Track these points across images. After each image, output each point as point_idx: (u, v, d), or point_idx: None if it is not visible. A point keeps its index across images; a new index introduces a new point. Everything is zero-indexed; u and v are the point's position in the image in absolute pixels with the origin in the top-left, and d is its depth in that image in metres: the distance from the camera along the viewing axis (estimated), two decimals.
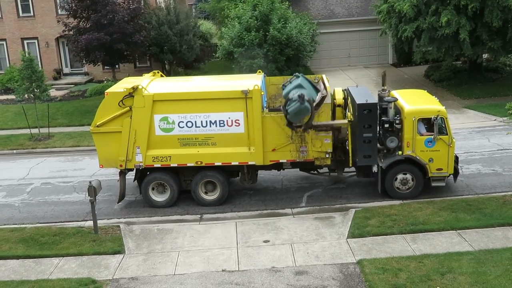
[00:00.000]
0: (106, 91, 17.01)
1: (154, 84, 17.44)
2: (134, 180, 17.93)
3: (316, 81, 18.41)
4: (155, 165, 16.83)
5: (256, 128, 16.31)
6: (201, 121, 16.44)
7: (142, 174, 17.52)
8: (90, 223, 15.96)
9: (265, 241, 14.66)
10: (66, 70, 37.91)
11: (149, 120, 16.47)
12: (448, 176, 16.71)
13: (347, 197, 17.42)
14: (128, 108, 16.47)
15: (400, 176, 16.67)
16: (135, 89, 16.35)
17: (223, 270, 13.25)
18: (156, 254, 14.30)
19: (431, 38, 27.67)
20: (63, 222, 16.73)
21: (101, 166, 17.29)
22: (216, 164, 16.75)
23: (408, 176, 16.68)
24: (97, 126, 16.77)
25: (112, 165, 17.16)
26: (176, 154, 16.65)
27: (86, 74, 37.23)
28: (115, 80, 31.32)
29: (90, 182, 15.27)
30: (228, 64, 31.97)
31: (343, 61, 37.05)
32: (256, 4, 29.14)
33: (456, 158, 17.02)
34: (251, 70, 28.35)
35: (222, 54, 30.75)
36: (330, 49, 36.61)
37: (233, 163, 16.74)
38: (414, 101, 17.17)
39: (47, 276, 13.39)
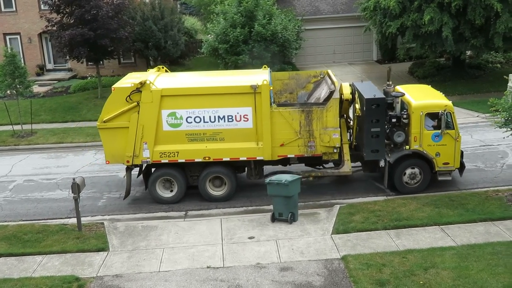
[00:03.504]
0: (113, 86, 16.82)
1: (160, 79, 17.34)
2: (137, 176, 17.80)
3: (321, 76, 18.50)
4: (163, 161, 16.73)
5: (264, 123, 16.30)
6: (210, 116, 16.39)
7: (147, 170, 17.43)
8: (73, 220, 15.82)
9: (250, 238, 14.68)
10: (49, 66, 37.52)
11: (157, 116, 16.37)
12: (454, 170, 16.87)
13: (331, 193, 17.50)
14: (136, 103, 16.33)
15: (408, 171, 16.79)
16: (142, 84, 16.22)
17: (208, 267, 13.23)
18: (141, 251, 14.24)
19: (415, 35, 27.90)
20: (46, 219, 16.59)
21: (107, 162, 17.12)
22: (224, 159, 16.70)
23: (416, 170, 16.81)
24: (104, 122, 16.59)
25: (119, 161, 17.00)
26: (184, 149, 16.58)
27: (69, 70, 36.87)
28: (99, 76, 31.17)
29: (73, 179, 15.15)
30: (213, 60, 31.88)
31: (328, 57, 37.16)
32: (241, 0, 29.07)
33: (461, 152, 17.15)
34: (236, 66, 28.35)
35: (207, 50, 30.64)
36: (315, 46, 36.70)
37: (241, 159, 16.71)
38: (421, 96, 17.32)
39: (30, 274, 13.27)
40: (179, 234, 15.11)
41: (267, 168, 17.67)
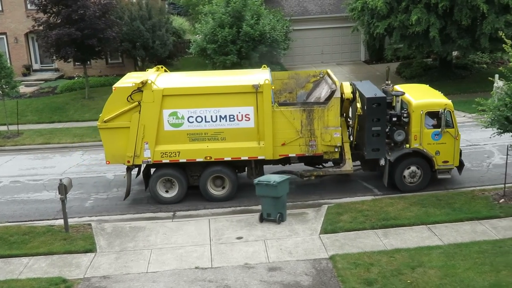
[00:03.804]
0: (114, 86, 16.73)
1: (161, 78, 17.28)
2: (136, 176, 17.72)
3: (321, 76, 18.55)
4: (164, 161, 16.67)
5: (266, 122, 16.33)
6: (211, 116, 16.38)
7: (147, 170, 17.40)
8: (60, 221, 15.70)
9: (238, 238, 14.66)
10: (36, 66, 37.21)
11: (158, 115, 16.31)
12: (453, 168, 17.01)
13: (319, 193, 17.54)
14: (137, 103, 16.24)
15: (408, 169, 16.92)
16: (144, 83, 16.16)
17: (196, 267, 13.20)
18: (129, 252, 14.18)
19: (402, 35, 28.09)
20: (33, 221, 16.46)
21: (107, 162, 17.01)
22: (226, 159, 16.68)
23: (416, 169, 16.94)
24: (105, 122, 16.48)
25: (119, 161, 16.90)
26: (185, 149, 16.54)
27: (56, 70, 36.60)
28: (87, 77, 30.98)
29: (60, 180, 15.05)
30: (202, 60, 31.83)
31: (316, 58, 37.25)
32: (229, 0, 29.06)
33: (460, 150, 17.28)
34: (225, 66, 28.32)
35: (196, 51, 30.57)
36: (303, 46, 36.78)
37: (242, 158, 16.71)
38: (420, 95, 17.44)
39: (17, 276, 13.15)
40: (167, 234, 15.06)
41: (266, 168, 17.68)
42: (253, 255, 13.69)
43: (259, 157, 16.69)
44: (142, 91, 16.18)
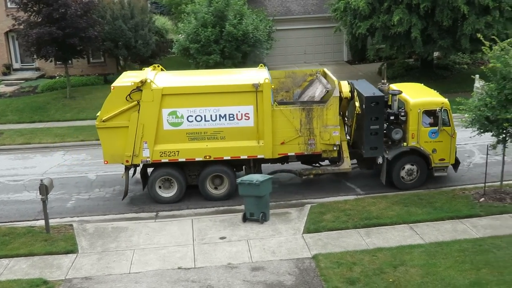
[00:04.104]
0: (112, 85, 16.57)
1: (159, 77, 17.16)
2: (132, 176, 17.57)
3: (317, 74, 18.63)
4: (163, 160, 16.59)
5: (266, 121, 16.36)
6: (211, 115, 16.36)
7: (144, 170, 17.36)
8: (41, 222, 15.51)
9: (222, 238, 14.64)
10: (16, 65, 36.71)
11: (157, 115, 16.23)
12: (448, 166, 17.21)
13: (302, 193, 17.59)
14: (136, 102, 16.13)
15: (406, 167, 17.08)
16: (143, 82, 16.05)
17: (179, 268, 13.16)
18: (111, 252, 14.07)
19: (384, 35, 28.29)
20: (13, 221, 16.25)
21: (105, 162, 16.86)
22: (225, 158, 16.66)
23: (413, 166, 17.12)
24: (103, 121, 16.31)
25: (118, 161, 16.76)
26: (185, 148, 16.49)
27: (37, 69, 36.15)
28: (68, 76, 30.68)
29: (41, 180, 14.90)
30: (185, 60, 31.72)
31: (299, 58, 37.32)
32: (212, 0, 29.00)
33: (455, 148, 17.51)
34: (208, 66, 28.25)
35: (178, 50, 30.46)
36: (286, 46, 36.81)
37: (242, 157, 16.71)
38: (416, 93, 17.62)
39: None
40: (150, 235, 14.98)
41: (265, 167, 17.70)
42: (236, 255, 13.68)
43: (259, 156, 16.74)
44: (141, 90, 16.10)
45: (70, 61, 31.81)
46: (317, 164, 17.91)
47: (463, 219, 14.99)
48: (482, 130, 15.61)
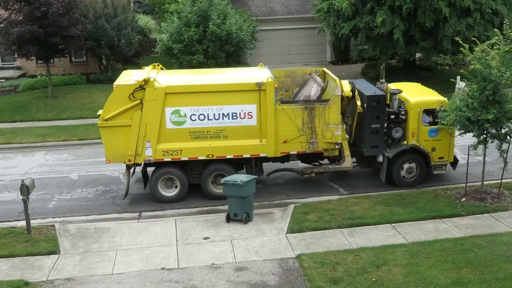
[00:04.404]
0: (115, 83, 16.42)
1: (161, 76, 17.04)
2: (132, 175, 17.40)
3: (317, 74, 18.76)
4: (165, 159, 16.52)
5: (268, 120, 16.41)
6: (214, 114, 16.35)
7: (146, 169, 17.35)
8: (22, 223, 15.32)
9: (205, 238, 14.61)
10: None
11: (160, 113, 16.16)
12: (447, 164, 17.43)
13: (286, 193, 17.62)
14: (139, 101, 16.03)
15: (406, 165, 17.29)
16: (146, 81, 15.96)
17: (162, 268, 13.09)
18: (93, 253, 13.96)
19: (367, 37, 28.50)
20: None
21: (108, 161, 16.72)
22: (228, 157, 16.68)
23: (413, 165, 17.34)
24: (105, 120, 16.18)
25: (120, 160, 16.66)
26: (187, 147, 16.45)
27: (18, 68, 35.70)
28: (50, 75, 30.36)
29: (22, 180, 14.72)
30: (168, 60, 31.57)
31: (283, 58, 37.38)
32: None
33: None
34: (191, 66, 28.17)
35: (162, 50, 30.34)
36: (270, 46, 36.84)
37: (244, 156, 16.74)
38: (415, 93, 17.83)
39: None
40: (132, 235, 14.89)
41: (265, 165, 17.80)
42: (220, 255, 13.66)
43: (261, 155, 16.80)
44: (144, 89, 16.01)
45: (52, 60, 31.47)
46: (317, 163, 18.04)
47: (445, 219, 15.15)
48: (463, 131, 15.79)
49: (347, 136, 17.82)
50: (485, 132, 15.48)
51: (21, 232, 14.97)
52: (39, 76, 33.53)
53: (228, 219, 15.43)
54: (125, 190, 16.97)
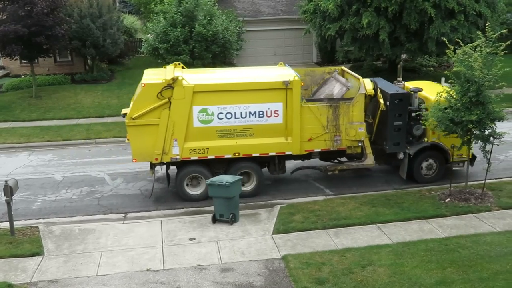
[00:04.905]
0: (143, 82, 16.32)
1: (186, 75, 16.97)
2: (151, 174, 17.33)
3: (336, 72, 18.96)
4: (192, 158, 16.53)
5: (295, 118, 16.55)
6: (241, 112, 16.43)
7: (169, 167, 17.44)
8: (6, 224, 15.14)
9: (191, 239, 14.57)
10: None
11: (188, 112, 16.17)
12: (466, 161, 17.54)
13: (272, 194, 17.63)
14: (167, 99, 15.99)
15: (426, 162, 17.59)
16: (175, 80, 15.93)
17: (147, 270, 13.03)
18: (78, 255, 13.85)
19: (353, 38, 28.65)
20: None
21: (134, 160, 16.67)
22: (254, 155, 16.77)
23: (433, 161, 17.64)
24: (133, 119, 16.08)
25: (146, 159, 16.66)
26: (214, 146, 16.50)
27: (2, 68, 35.37)
28: (34, 75, 30.09)
29: (6, 181, 14.55)
30: (154, 60, 31.47)
31: (269, 59, 37.35)
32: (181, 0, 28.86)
33: None
34: None
35: (147, 50, 30.18)
36: (256, 47, 36.88)
37: (270, 154, 16.85)
38: (435, 91, 17.80)
39: None
40: (118, 236, 14.80)
41: (288, 163, 17.93)
42: (206, 256, 13.63)
43: (287, 153, 16.93)
44: (172, 87, 15.98)
45: (36, 60, 31.21)
46: (335, 161, 18.21)
47: (429, 219, 15.26)
48: (447, 132, 15.92)
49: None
50: (469, 133, 15.63)
51: (4, 233, 14.80)
52: (23, 76, 33.24)
53: (214, 220, 15.41)
54: (152, 189, 17.06)
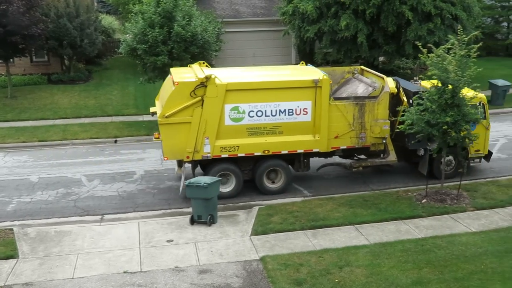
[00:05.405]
0: (176, 81, 16.25)
1: (216, 74, 16.93)
2: (177, 173, 17.53)
3: (355, 72, 19.34)
4: (223, 156, 16.57)
5: (323, 116, 16.78)
6: (271, 110, 16.59)
7: (196, 165, 17.52)
8: None
9: (169, 241, 14.48)
10: None
11: (220, 110, 16.21)
12: (483, 156, 18.03)
13: (250, 195, 17.62)
14: (200, 98, 15.99)
15: (446, 158, 17.66)
16: (208, 78, 15.93)
17: (124, 272, 12.91)
18: (53, 257, 13.66)
19: (331, 40, 28.83)
20: None
21: (165, 158, 16.61)
22: (283, 152, 16.93)
23: (451, 157, 17.92)
24: (166, 117, 16.01)
25: (178, 157, 16.74)
26: (244, 143, 16.59)
27: None
28: (9, 75, 29.63)
29: None
30: (132, 60, 31.23)
31: (248, 60, 37.42)
32: (159, 0, 28.69)
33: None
34: (155, 67, 27.91)
35: (125, 50, 29.90)
36: (235, 48, 36.86)
37: (298, 151, 17.02)
38: None
39: None
40: (94, 238, 14.65)
41: (313, 161, 18.10)
42: (184, 258, 13.56)
43: (314, 150, 17.14)
44: (205, 86, 16.00)
45: (11, 60, 30.77)
46: (355, 158, 18.47)
47: (406, 220, 15.42)
48: (423, 134, 16.08)
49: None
50: (445, 135, 15.81)
51: None
52: None
53: (192, 221, 15.35)
54: (181, 187, 17.00)
